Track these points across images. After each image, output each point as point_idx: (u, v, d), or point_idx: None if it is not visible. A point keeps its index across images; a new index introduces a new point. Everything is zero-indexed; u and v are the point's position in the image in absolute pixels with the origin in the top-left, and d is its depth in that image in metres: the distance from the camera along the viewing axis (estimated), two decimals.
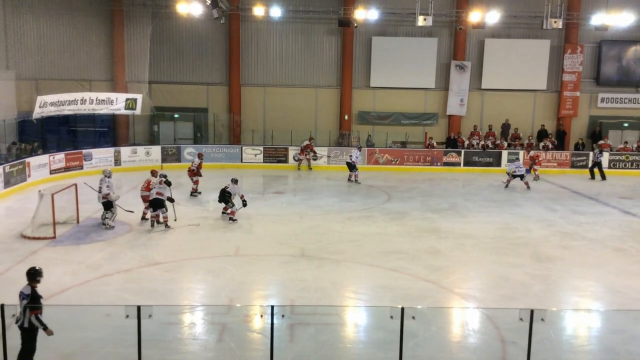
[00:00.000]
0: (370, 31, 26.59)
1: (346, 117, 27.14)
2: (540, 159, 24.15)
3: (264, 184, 22.19)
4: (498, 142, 26.24)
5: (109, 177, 14.27)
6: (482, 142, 26.02)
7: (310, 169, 24.73)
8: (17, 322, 7.05)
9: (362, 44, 26.97)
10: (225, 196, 15.42)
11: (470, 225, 15.68)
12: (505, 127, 27.13)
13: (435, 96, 27.51)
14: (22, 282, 9.95)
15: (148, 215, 14.73)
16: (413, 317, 5.82)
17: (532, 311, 6.55)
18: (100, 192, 14.23)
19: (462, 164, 25.40)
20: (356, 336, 9.18)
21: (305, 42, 27.05)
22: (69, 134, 23.53)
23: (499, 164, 25.37)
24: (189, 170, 18.72)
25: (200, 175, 18.69)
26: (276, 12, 24.57)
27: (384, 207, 17.76)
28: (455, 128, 27.19)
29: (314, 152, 24.77)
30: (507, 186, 21.37)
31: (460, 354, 8.55)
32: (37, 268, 7.38)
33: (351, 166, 21.79)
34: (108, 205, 14.12)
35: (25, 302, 7.07)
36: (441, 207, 17.89)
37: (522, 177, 21.28)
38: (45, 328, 7.13)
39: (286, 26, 26.71)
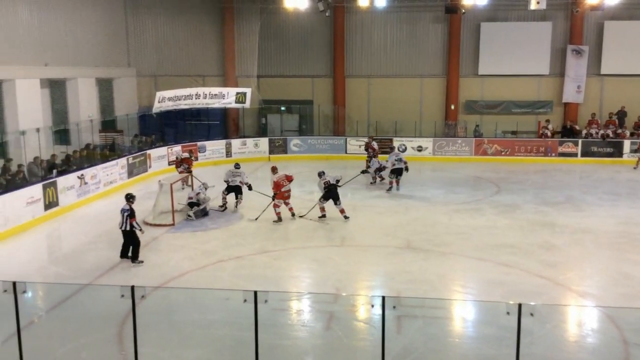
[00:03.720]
0: (478, 17, 25.69)
1: (452, 107, 26.46)
2: None
3: (368, 175, 22.14)
4: (619, 130, 24.42)
5: (206, 189, 15.44)
6: (602, 132, 24.33)
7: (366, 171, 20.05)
8: (121, 227, 11.25)
9: (470, 30, 26.13)
10: (336, 191, 14.66)
11: (588, 219, 14.79)
12: (621, 114, 25.14)
13: (549, 83, 26.11)
14: (148, 266, 10.72)
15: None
16: (531, 314, 5.59)
17: None
18: (192, 191, 15.30)
19: (579, 155, 23.93)
20: (465, 331, 9.00)
21: (410, 31, 26.65)
22: (185, 127, 24.86)
23: (620, 155, 23.59)
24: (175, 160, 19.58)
25: (189, 171, 18.01)
26: (381, 2, 24.33)
27: (493, 199, 17.17)
28: (571, 116, 25.65)
29: (370, 158, 20.37)
30: (387, 186, 18.29)
31: (578, 353, 8.13)
32: (132, 193, 11.79)
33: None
34: (192, 204, 14.84)
35: (127, 214, 11.16)
36: (556, 200, 16.99)
37: (398, 174, 17.91)
38: (140, 229, 11.44)
39: (391, 16, 26.46)
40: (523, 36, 25.55)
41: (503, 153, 24.28)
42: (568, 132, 24.75)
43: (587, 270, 11.35)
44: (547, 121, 24.94)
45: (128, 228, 11.24)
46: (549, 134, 24.46)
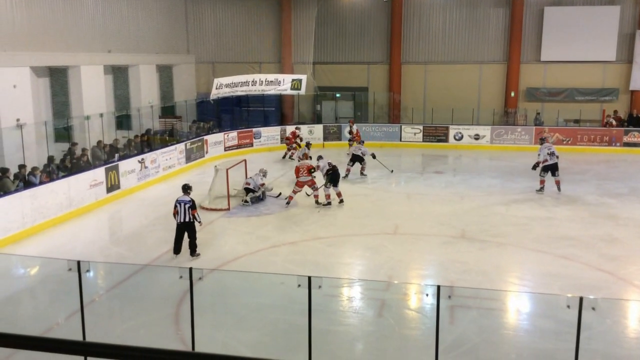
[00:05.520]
0: (542, 1, 24.80)
1: (512, 94, 25.71)
2: None
3: (422, 163, 21.92)
4: None
5: (264, 176, 15.35)
6: None
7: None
8: (180, 219, 10.64)
9: (533, 15, 25.25)
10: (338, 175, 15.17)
11: None
12: None
13: (616, 70, 24.97)
14: (203, 249, 10.92)
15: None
16: (593, 308, 5.39)
17: None
18: (251, 178, 15.08)
19: None
20: (521, 323, 8.80)
21: (469, 16, 26.00)
22: (241, 114, 25.17)
23: None
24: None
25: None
26: None
27: (553, 189, 16.62)
28: (639, 105, 24.48)
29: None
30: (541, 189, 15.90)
31: (639, 350, 7.81)
32: (189, 184, 11.28)
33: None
34: (248, 190, 14.92)
35: (188, 205, 10.63)
36: (620, 191, 16.31)
37: (554, 170, 15.62)
38: (200, 222, 10.92)
39: (450, 0, 25.89)
40: (589, 21, 24.50)
41: (565, 142, 23.45)
42: (635, 121, 23.65)
43: None
44: (616, 111, 23.87)
45: (188, 219, 10.64)
46: (614, 122, 23.45)
